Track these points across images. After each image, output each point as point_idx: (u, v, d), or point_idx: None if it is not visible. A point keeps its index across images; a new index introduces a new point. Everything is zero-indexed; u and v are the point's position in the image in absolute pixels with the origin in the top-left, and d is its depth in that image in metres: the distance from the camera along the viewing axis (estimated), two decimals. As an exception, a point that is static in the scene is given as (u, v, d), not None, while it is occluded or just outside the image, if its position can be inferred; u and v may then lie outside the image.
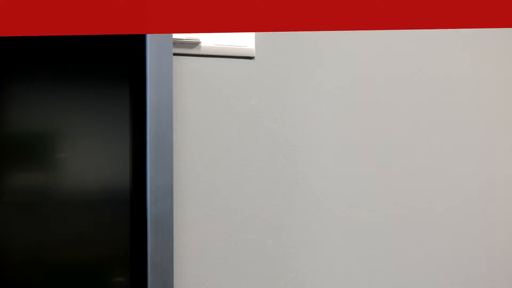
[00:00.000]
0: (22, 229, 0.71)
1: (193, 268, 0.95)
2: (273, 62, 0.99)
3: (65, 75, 0.73)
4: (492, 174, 1.17)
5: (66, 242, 0.73)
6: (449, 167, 1.13)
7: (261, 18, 0.69)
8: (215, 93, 0.96)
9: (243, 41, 0.96)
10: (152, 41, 0.77)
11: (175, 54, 0.93)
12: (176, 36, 0.90)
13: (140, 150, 0.77)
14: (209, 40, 0.94)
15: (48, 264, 0.72)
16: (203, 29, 0.70)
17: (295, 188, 1.01)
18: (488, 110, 1.16)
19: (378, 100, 1.07)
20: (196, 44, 0.93)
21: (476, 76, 1.15)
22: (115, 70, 0.75)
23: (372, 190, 1.07)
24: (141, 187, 0.77)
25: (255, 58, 0.98)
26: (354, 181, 1.06)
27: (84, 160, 0.74)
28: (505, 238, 1.18)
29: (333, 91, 1.04)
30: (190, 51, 0.93)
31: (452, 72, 1.13)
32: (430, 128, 1.12)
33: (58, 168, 0.73)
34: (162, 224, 0.78)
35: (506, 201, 1.18)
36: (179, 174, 0.93)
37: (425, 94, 1.11)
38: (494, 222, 1.17)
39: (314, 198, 1.03)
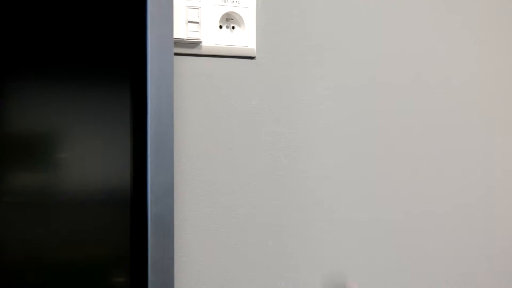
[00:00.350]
0: (22, 229, 0.71)
1: (193, 268, 0.95)
2: (274, 62, 0.99)
3: (65, 75, 0.73)
4: (493, 175, 1.17)
5: (66, 242, 0.73)
6: (449, 168, 1.13)
7: None
8: (215, 93, 0.96)
9: (244, 41, 0.96)
10: (153, 41, 0.77)
11: (176, 54, 0.92)
12: (177, 36, 0.90)
13: (141, 150, 0.77)
14: (210, 40, 0.93)
15: (48, 264, 0.72)
16: None
17: (296, 188, 1.01)
18: (489, 112, 1.16)
19: (379, 100, 1.07)
20: (197, 44, 0.93)
21: (477, 78, 1.15)
22: (116, 70, 0.75)
23: (372, 190, 1.07)
24: (141, 187, 0.77)
25: (256, 58, 0.98)
26: (355, 181, 1.05)
27: (84, 160, 0.74)
28: (505, 238, 1.18)
29: (333, 91, 1.04)
30: (191, 51, 0.93)
31: (452, 72, 1.13)
32: (431, 129, 1.11)
33: (58, 168, 0.72)
34: (163, 224, 0.78)
35: (506, 202, 1.18)
36: (180, 174, 0.93)
37: (425, 94, 1.11)
38: (494, 222, 1.17)
39: (314, 198, 1.03)
